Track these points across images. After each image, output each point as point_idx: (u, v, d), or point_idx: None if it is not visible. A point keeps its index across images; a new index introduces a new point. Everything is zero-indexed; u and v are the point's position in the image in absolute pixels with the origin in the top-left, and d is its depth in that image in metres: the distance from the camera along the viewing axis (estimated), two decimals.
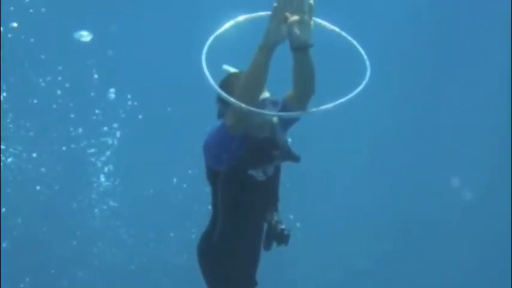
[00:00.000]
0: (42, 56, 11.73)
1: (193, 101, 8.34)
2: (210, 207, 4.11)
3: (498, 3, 12.13)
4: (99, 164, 12.15)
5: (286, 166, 4.08)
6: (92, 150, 12.09)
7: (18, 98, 11.60)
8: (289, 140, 4.06)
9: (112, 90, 12.13)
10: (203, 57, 3.45)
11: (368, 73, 3.59)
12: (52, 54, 11.65)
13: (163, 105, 12.03)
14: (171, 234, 12.05)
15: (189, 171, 11.71)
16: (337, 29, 3.64)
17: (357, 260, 12.04)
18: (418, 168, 12.71)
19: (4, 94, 11.44)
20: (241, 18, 3.57)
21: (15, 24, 11.37)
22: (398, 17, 12.28)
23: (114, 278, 11.71)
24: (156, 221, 12.04)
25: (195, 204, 10.69)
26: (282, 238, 4.01)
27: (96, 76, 12.01)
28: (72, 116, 11.95)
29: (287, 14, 3.33)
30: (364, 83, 3.56)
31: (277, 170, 4.07)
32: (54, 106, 11.85)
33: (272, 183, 4.06)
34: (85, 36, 11.47)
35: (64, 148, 11.89)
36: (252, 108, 3.43)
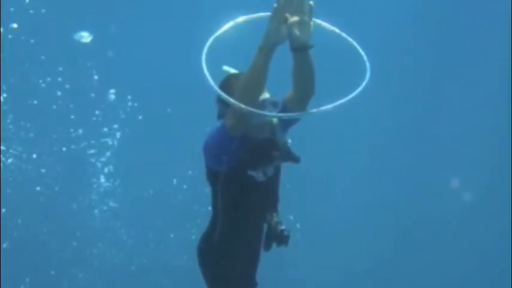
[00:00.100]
0: (43, 57, 11.73)
1: (193, 101, 8.34)
2: (210, 208, 4.10)
3: (498, 3, 12.13)
4: (99, 165, 12.16)
5: (286, 167, 4.08)
6: (92, 151, 12.09)
7: (18, 99, 11.60)
8: (289, 140, 4.06)
9: (112, 91, 12.14)
10: (203, 58, 3.45)
11: (368, 74, 3.59)
12: (52, 55, 11.66)
13: (163, 106, 12.04)
14: (171, 235, 12.05)
15: (189, 172, 11.71)
16: (337, 30, 3.64)
17: (356, 260, 12.04)
18: (418, 169, 12.72)
19: (4, 95, 11.45)
20: (241, 19, 3.57)
21: (15, 25, 11.37)
22: (399, 17, 12.28)
23: (114, 278, 11.71)
24: (156, 222, 12.05)
25: (195, 205, 10.69)
26: (281, 239, 4.01)
27: (96, 77, 12.02)
28: (72, 116, 11.96)
29: (287, 14, 3.33)
30: (364, 83, 3.56)
31: (277, 171, 4.07)
32: (54, 107, 11.86)
33: (272, 184, 4.06)
34: (85, 37, 11.48)
35: (64, 149, 11.90)
36: (252, 109, 3.43)
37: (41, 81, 11.81)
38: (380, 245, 12.38)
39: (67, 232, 11.85)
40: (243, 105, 3.41)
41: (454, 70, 12.77)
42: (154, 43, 11.97)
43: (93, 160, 12.13)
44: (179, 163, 11.65)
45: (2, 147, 11.37)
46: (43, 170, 11.79)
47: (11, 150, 11.57)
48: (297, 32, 3.35)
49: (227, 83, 3.74)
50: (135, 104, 12.20)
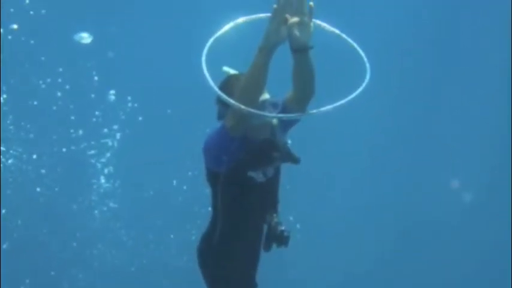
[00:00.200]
0: (43, 58, 11.74)
1: (193, 102, 8.34)
2: (210, 208, 4.11)
3: (498, 3, 12.13)
4: (99, 166, 12.16)
5: (286, 168, 4.08)
6: (92, 151, 12.09)
7: (18, 100, 11.60)
8: (289, 141, 4.06)
9: (112, 92, 12.14)
10: (203, 59, 3.45)
11: (368, 75, 3.59)
12: (52, 56, 11.66)
13: (163, 107, 12.04)
14: (171, 236, 12.05)
15: (189, 173, 11.72)
16: (337, 31, 3.64)
17: (356, 261, 12.04)
18: (418, 170, 12.72)
19: (4, 96, 11.45)
20: (241, 20, 3.57)
21: (15, 26, 11.37)
22: (399, 17, 12.28)
23: (114, 279, 11.71)
24: (156, 223, 12.05)
25: (195, 206, 10.69)
26: (281, 239, 4.01)
27: (96, 78, 12.02)
28: (72, 117, 11.96)
29: (287, 15, 3.34)
30: (363, 84, 3.56)
31: (277, 172, 4.07)
32: (54, 108, 11.86)
33: (272, 184, 4.06)
34: (85, 38, 11.48)
35: (64, 150, 11.90)
36: (252, 110, 3.44)
37: (41, 82, 11.81)
38: (380, 245, 12.38)
39: (67, 233, 11.85)
40: (243, 106, 3.41)
41: (454, 70, 12.77)
42: (154, 44, 11.98)
43: (93, 161, 12.13)
44: (179, 164, 11.65)
45: (2, 148, 11.37)
46: (43, 171, 11.79)
47: (11, 151, 11.57)
48: (297, 32, 3.35)
49: (227, 83, 3.74)
50: (135, 105, 12.21)
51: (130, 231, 12.18)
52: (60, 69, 11.81)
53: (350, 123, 10.95)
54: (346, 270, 11.98)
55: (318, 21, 3.52)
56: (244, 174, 3.87)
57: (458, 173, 12.36)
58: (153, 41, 12.00)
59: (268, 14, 3.38)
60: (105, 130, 12.15)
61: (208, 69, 3.43)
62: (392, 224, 12.38)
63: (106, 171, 12.16)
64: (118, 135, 12.16)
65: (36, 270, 11.41)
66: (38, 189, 11.76)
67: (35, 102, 11.80)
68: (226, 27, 3.54)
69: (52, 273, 11.56)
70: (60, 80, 11.84)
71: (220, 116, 3.81)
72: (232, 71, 3.89)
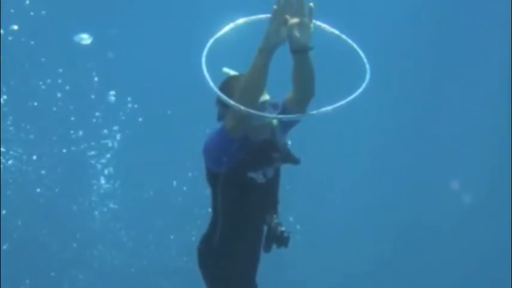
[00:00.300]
0: (43, 59, 11.74)
1: (193, 103, 8.35)
2: (210, 209, 4.11)
3: (498, 3, 12.13)
4: (99, 167, 12.16)
5: (286, 168, 4.08)
6: (92, 152, 12.10)
7: (18, 101, 11.61)
8: (289, 142, 4.06)
9: (112, 92, 12.14)
10: (203, 60, 3.46)
11: (368, 76, 3.60)
12: (52, 57, 11.67)
13: (163, 108, 12.04)
14: (171, 237, 12.06)
15: (189, 174, 11.72)
16: (336, 32, 3.65)
17: (356, 262, 12.04)
18: (418, 171, 12.73)
19: (4, 97, 11.45)
20: (240, 20, 3.57)
21: (15, 27, 11.38)
22: (398, 17, 12.29)
23: (114, 280, 11.71)
24: (156, 224, 12.05)
25: (195, 207, 10.70)
26: (281, 240, 4.01)
27: (96, 79, 12.03)
28: (73, 118, 11.96)
29: (287, 16, 3.34)
30: (363, 85, 3.56)
31: (277, 173, 4.07)
32: (55, 109, 11.87)
33: (272, 185, 4.06)
34: (85, 39, 11.48)
35: (64, 150, 11.90)
36: (252, 111, 3.44)
37: (41, 82, 11.82)
38: (380, 246, 12.38)
39: (67, 234, 11.85)
40: (243, 107, 3.42)
41: (454, 71, 12.78)
42: (154, 45, 11.98)
43: (93, 162, 12.14)
44: (179, 165, 11.66)
45: (2, 149, 11.37)
46: (43, 172, 11.79)
47: (11, 152, 11.58)
48: (297, 33, 3.35)
49: (227, 84, 3.74)
50: (135, 106, 12.21)
51: (130, 232, 12.18)
52: (60, 70, 11.82)
53: (350, 124, 10.96)
54: (346, 271, 11.98)
55: (318, 22, 3.52)
56: (244, 175, 3.87)
57: (458, 174, 12.36)
58: (153, 42, 12.01)
59: (268, 15, 3.39)
60: (105, 131, 12.16)
61: (208, 70, 3.43)
62: (392, 225, 12.38)
63: (106, 172, 12.17)
64: (118, 136, 12.17)
65: (36, 270, 11.41)
66: (38, 190, 11.77)
67: (35, 103, 11.81)
68: (226, 28, 3.54)
69: (52, 273, 11.56)
70: (60, 81, 11.85)
71: (220, 117, 3.82)
72: (232, 72, 3.89)
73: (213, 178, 3.96)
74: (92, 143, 12.09)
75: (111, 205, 12.16)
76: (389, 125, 12.63)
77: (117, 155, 12.15)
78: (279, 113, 3.74)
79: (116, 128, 12.18)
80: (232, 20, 3.55)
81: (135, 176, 12.06)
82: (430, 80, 12.94)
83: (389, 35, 12.35)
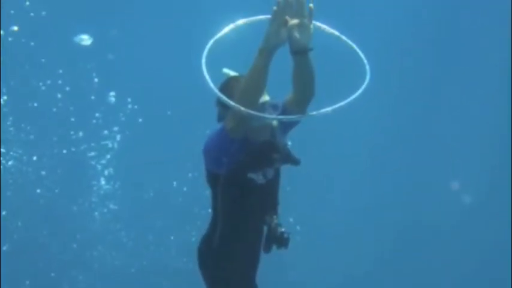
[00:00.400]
0: (43, 60, 11.75)
1: (193, 104, 8.35)
2: (210, 210, 4.11)
3: (498, 3, 12.14)
4: (99, 167, 12.16)
5: (286, 169, 4.08)
6: (92, 153, 12.10)
7: (18, 101, 11.61)
8: (289, 143, 4.06)
9: (112, 93, 12.15)
10: (203, 60, 3.46)
11: (367, 77, 3.60)
12: (52, 58, 11.67)
13: (163, 109, 12.05)
14: (171, 237, 12.06)
15: (189, 174, 11.72)
16: (336, 33, 3.65)
17: (356, 263, 12.05)
18: (418, 171, 12.72)
19: (4, 97, 11.46)
20: (240, 21, 3.57)
21: (15, 28, 11.38)
22: (398, 17, 12.29)
23: (114, 281, 11.71)
24: (156, 224, 12.06)
25: (195, 207, 10.71)
26: (281, 241, 4.01)
27: (96, 80, 12.03)
28: (73, 119, 11.97)
29: (287, 17, 3.35)
30: (363, 86, 3.56)
31: (277, 173, 4.07)
32: (55, 109, 11.87)
33: (272, 186, 4.06)
34: (85, 39, 11.49)
35: (64, 151, 11.90)
36: (252, 112, 3.44)
37: (41, 83, 11.82)
38: (379, 247, 12.38)
39: (67, 234, 11.85)
40: (243, 108, 3.42)
41: (454, 71, 12.78)
42: (154, 46, 11.98)
43: (93, 162, 12.14)
44: (179, 165, 11.66)
45: (2, 150, 11.37)
46: (43, 173, 11.79)
47: (11, 153, 11.58)
48: (296, 34, 3.36)
49: (227, 85, 3.74)
50: (135, 107, 12.21)
51: (130, 233, 12.18)
52: (60, 71, 11.82)
53: (350, 124, 10.95)
54: (345, 271, 11.98)
55: (318, 23, 3.52)
56: (244, 176, 3.87)
57: (458, 175, 12.36)
58: (153, 43, 12.01)
59: (268, 16, 3.39)
60: (105, 132, 12.16)
61: (208, 71, 3.43)
62: (392, 226, 12.38)
63: (106, 172, 12.17)
64: (118, 137, 12.17)
65: (36, 271, 11.41)
66: (38, 190, 11.76)
67: (35, 104, 11.81)
68: (226, 29, 3.54)
69: (52, 274, 11.56)
70: (60, 82, 11.85)
71: (220, 118, 3.82)
72: (232, 73, 3.89)
73: (213, 179, 3.96)
74: (92, 144, 12.09)
75: (111, 206, 12.16)
76: (389, 125, 12.63)
77: (117, 156, 12.15)
78: (279, 114, 3.74)
79: (116, 128, 12.18)
80: (232, 21, 3.55)
81: (135, 176, 12.06)
82: (430, 80, 12.94)
83: (389, 34, 12.35)
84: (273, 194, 4.12)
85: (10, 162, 11.58)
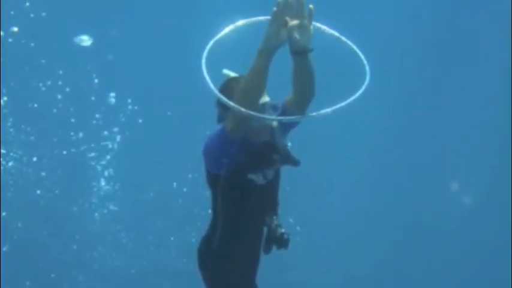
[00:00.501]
0: (43, 61, 11.75)
1: (193, 105, 8.36)
2: (210, 211, 4.11)
3: (498, 3, 12.14)
4: (99, 168, 12.16)
5: (285, 170, 4.08)
6: (92, 154, 12.10)
7: (18, 102, 11.61)
8: (289, 144, 4.06)
9: (112, 94, 12.15)
10: (203, 61, 3.46)
11: (367, 78, 3.60)
12: (52, 59, 11.67)
13: (163, 109, 12.05)
14: (171, 238, 12.05)
15: (189, 175, 11.72)
16: (336, 33, 3.65)
17: (356, 263, 12.04)
18: (418, 172, 12.72)
19: (4, 98, 11.46)
20: (240, 22, 3.57)
21: (15, 29, 11.38)
22: (398, 17, 12.29)
23: (114, 281, 11.71)
24: (156, 225, 12.06)
25: (195, 208, 10.71)
26: (281, 242, 4.01)
27: (96, 80, 12.03)
28: (73, 120, 11.97)
29: (287, 18, 3.35)
30: (363, 87, 3.56)
31: (277, 174, 4.07)
32: (55, 110, 11.87)
33: (272, 187, 4.07)
34: (85, 40, 11.49)
35: (64, 152, 11.90)
36: (252, 113, 3.44)
37: (41, 84, 11.82)
38: (380, 248, 12.38)
39: (67, 235, 11.85)
40: (243, 109, 3.42)
41: (454, 71, 12.78)
42: (154, 46, 11.99)
43: (93, 163, 12.14)
44: (179, 166, 11.66)
45: (2, 151, 11.37)
46: (43, 173, 11.79)
47: (11, 154, 11.58)
48: (296, 35, 3.36)
49: (227, 86, 3.74)
50: (135, 107, 12.22)
51: (130, 234, 12.18)
52: (60, 72, 11.82)
53: (350, 125, 10.95)
54: (345, 272, 11.97)
55: (318, 24, 3.52)
56: (244, 177, 3.87)
57: (458, 175, 12.36)
58: (153, 43, 12.01)
59: (268, 17, 3.39)
60: (105, 132, 12.16)
61: (208, 72, 3.43)
62: (392, 227, 12.38)
63: (106, 173, 12.17)
64: (118, 138, 12.17)
65: (36, 272, 11.41)
66: (38, 191, 11.77)
67: (35, 105, 11.81)
68: (226, 30, 3.55)
69: (52, 275, 11.56)
70: (60, 83, 11.85)
71: (220, 119, 3.82)
72: (232, 74, 3.89)
73: (213, 180, 3.96)
74: (92, 145, 12.09)
75: (111, 207, 12.16)
76: (389, 125, 12.63)
77: (117, 157, 12.15)
78: (279, 115, 3.74)
79: (116, 129, 12.18)
80: (232, 22, 3.55)
81: (135, 177, 12.06)
82: (430, 80, 12.94)
83: (389, 35, 12.34)
84: (273, 195, 4.12)
85: (10, 163, 11.58)
